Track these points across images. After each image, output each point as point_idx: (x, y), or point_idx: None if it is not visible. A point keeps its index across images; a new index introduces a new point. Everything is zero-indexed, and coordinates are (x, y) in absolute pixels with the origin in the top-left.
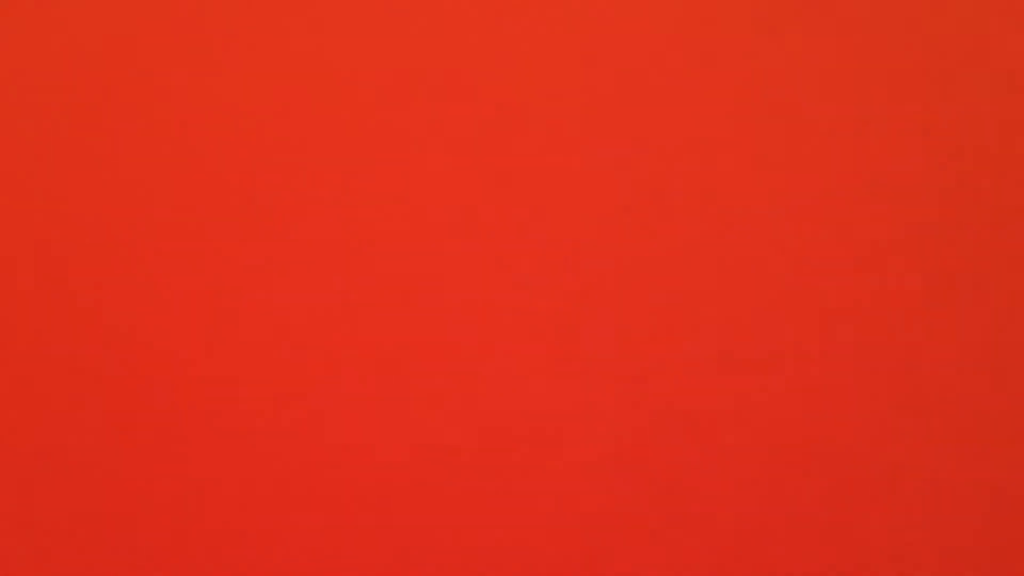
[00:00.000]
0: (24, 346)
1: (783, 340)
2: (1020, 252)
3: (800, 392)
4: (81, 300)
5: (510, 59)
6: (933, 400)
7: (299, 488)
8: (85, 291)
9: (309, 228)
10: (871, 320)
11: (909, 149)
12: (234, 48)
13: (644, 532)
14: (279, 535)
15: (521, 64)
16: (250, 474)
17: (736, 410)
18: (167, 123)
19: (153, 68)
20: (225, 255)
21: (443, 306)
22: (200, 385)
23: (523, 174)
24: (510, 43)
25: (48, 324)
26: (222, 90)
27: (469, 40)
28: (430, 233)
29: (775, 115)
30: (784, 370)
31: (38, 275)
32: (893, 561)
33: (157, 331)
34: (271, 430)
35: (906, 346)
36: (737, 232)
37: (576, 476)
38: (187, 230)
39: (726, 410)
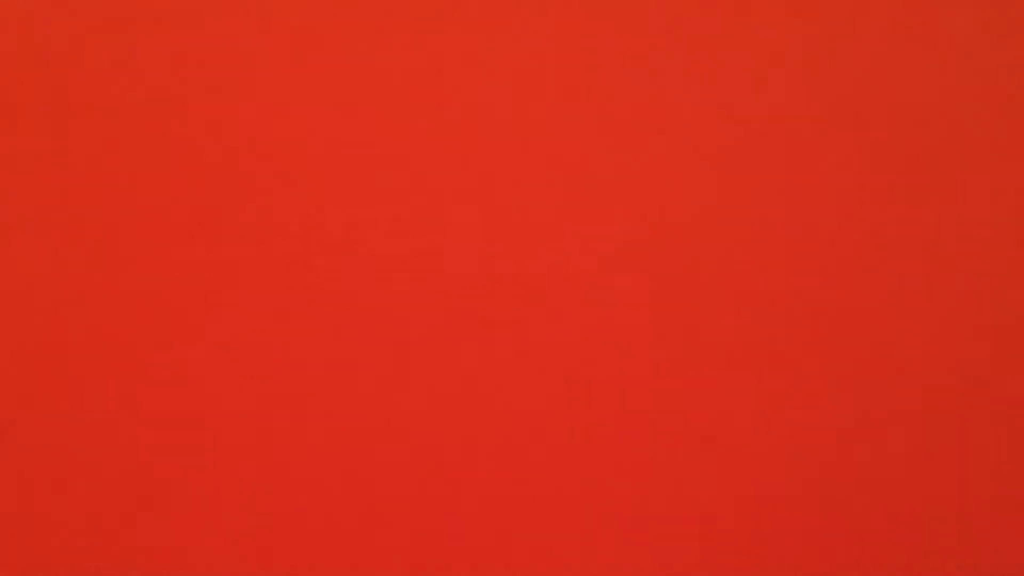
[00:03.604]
0: (22, 346)
1: (788, 344)
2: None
3: (804, 395)
4: (81, 300)
5: (507, 62)
6: (945, 408)
7: (298, 489)
8: (85, 291)
9: (309, 228)
10: (879, 324)
11: (908, 151)
12: (235, 50)
13: (644, 535)
14: (279, 536)
15: (519, 67)
16: (251, 474)
17: (741, 415)
18: (165, 123)
19: (152, 68)
20: (227, 255)
21: (444, 309)
22: (198, 385)
23: (531, 179)
24: (513, 46)
25: (47, 324)
26: (222, 91)
27: (473, 43)
28: (434, 235)
29: (777, 117)
30: (789, 373)
31: (37, 275)
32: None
33: (154, 332)
34: (273, 430)
35: (915, 349)
36: (743, 241)
37: (577, 480)
38: (188, 232)
39: (732, 415)
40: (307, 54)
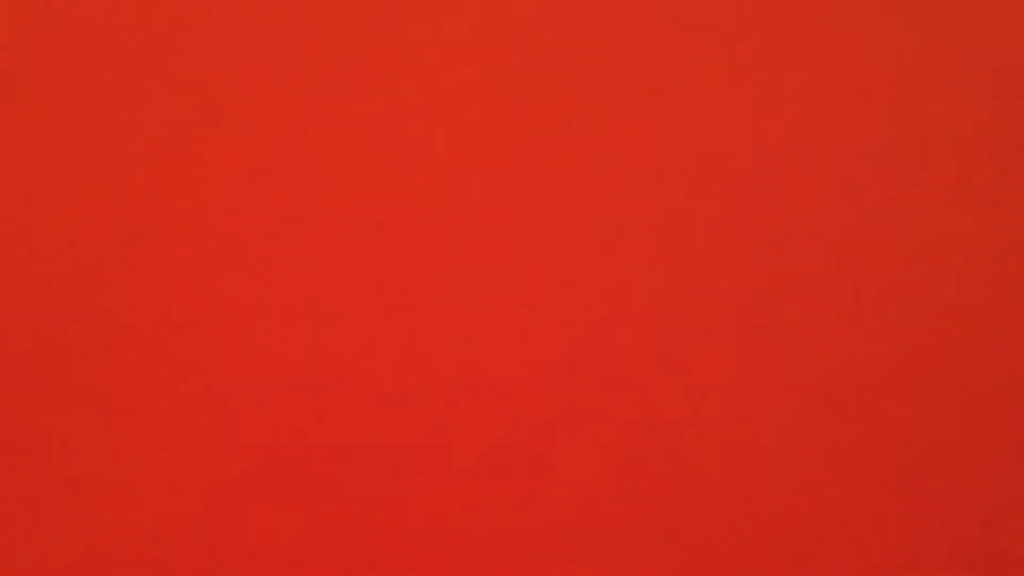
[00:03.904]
0: (24, 346)
1: (783, 339)
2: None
3: (797, 395)
4: (82, 300)
5: (510, 63)
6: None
7: (295, 488)
8: (85, 291)
9: (310, 229)
10: (871, 321)
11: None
12: (237, 51)
13: (639, 532)
14: (277, 533)
15: (522, 68)
16: (252, 471)
17: (734, 413)
18: (166, 125)
19: (154, 68)
20: (228, 253)
21: (442, 308)
22: (196, 385)
23: (526, 174)
24: (514, 47)
25: (49, 324)
26: (223, 93)
27: (472, 45)
28: (432, 236)
29: (774, 116)
30: (783, 369)
31: (38, 275)
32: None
33: (155, 330)
34: (272, 430)
35: (907, 343)
36: (735, 235)
37: (573, 480)
38: (190, 233)
39: (725, 412)
40: (305, 51)
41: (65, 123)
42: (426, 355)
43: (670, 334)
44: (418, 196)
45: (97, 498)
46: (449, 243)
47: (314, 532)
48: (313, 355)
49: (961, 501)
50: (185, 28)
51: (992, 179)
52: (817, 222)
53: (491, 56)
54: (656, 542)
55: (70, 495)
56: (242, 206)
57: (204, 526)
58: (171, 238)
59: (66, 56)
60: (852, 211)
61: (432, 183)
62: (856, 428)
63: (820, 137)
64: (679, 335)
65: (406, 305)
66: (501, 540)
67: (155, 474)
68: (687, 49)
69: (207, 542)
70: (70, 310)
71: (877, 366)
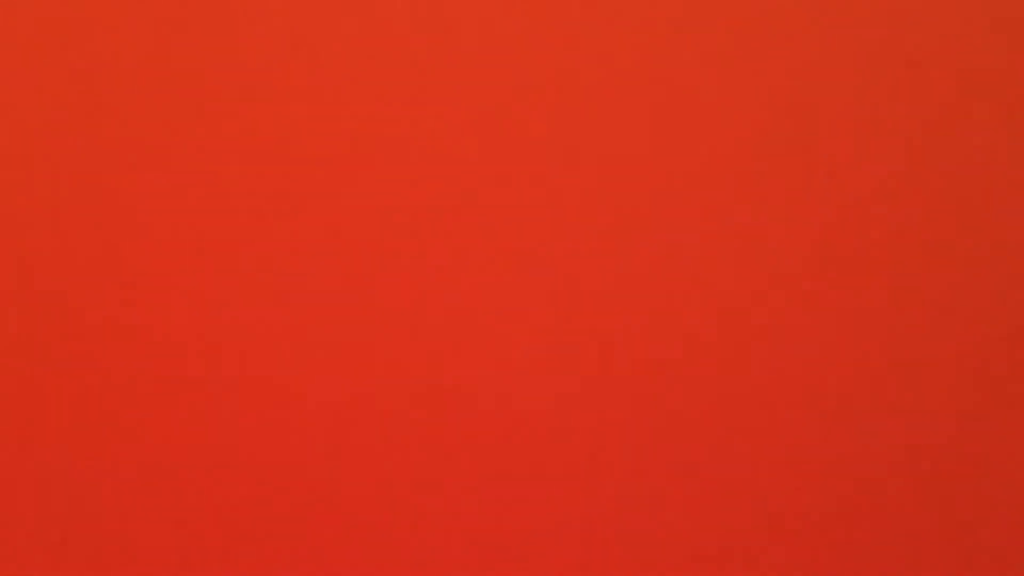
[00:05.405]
0: (25, 346)
1: (775, 340)
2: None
3: (789, 391)
4: (81, 299)
5: (505, 62)
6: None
7: (293, 488)
8: (84, 290)
9: (308, 229)
10: (860, 323)
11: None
12: (234, 48)
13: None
14: (276, 534)
15: (516, 66)
16: (249, 472)
17: (730, 406)
18: (165, 126)
19: (154, 68)
20: (223, 254)
21: (440, 303)
22: (194, 384)
23: (518, 174)
24: (508, 45)
25: (50, 324)
26: (221, 90)
27: (467, 42)
28: (427, 234)
29: (768, 118)
30: (775, 369)
31: (40, 276)
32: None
33: (155, 329)
34: (270, 430)
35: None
36: (729, 234)
37: (568, 475)
38: (186, 230)
39: (720, 405)
40: (305, 56)
41: (64, 123)
42: (423, 351)
43: (669, 333)
44: (415, 195)
45: (96, 496)
46: (443, 243)
47: (314, 531)
48: (310, 356)
49: (960, 501)
50: (183, 27)
51: (989, 180)
52: (816, 221)
53: (488, 56)
54: (656, 543)
55: (70, 494)
56: (241, 205)
57: (198, 525)
58: (170, 236)
59: (65, 56)
60: (850, 210)
61: (428, 182)
62: (856, 428)
63: (819, 137)
64: (679, 334)
65: (404, 305)
66: (499, 540)
67: (155, 473)
68: (683, 49)
69: (202, 541)
70: (65, 309)
71: (878, 367)
